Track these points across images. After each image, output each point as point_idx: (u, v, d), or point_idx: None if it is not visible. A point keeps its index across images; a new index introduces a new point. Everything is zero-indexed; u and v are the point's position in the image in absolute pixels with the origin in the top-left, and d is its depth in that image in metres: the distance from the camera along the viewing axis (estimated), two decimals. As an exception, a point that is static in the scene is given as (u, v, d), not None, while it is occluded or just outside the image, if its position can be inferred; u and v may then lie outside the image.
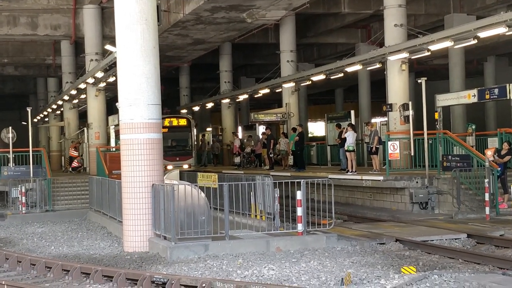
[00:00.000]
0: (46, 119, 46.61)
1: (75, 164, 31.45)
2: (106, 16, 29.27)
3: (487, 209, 16.79)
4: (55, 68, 38.45)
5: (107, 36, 29.00)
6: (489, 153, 18.08)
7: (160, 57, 14.65)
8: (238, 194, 14.72)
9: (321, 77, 27.56)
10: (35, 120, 47.54)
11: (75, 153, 31.79)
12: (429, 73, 35.62)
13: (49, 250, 14.77)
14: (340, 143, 23.96)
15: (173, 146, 31.15)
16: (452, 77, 31.29)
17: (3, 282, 10.53)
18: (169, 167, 27.89)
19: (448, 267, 11.12)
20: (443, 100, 23.14)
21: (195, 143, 33.55)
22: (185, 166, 29.93)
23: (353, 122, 26.14)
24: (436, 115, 22.64)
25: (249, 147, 32.54)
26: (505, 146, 18.76)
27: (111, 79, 25.59)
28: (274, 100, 44.78)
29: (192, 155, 31.34)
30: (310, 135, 49.39)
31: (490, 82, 37.65)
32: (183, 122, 31.97)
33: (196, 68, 41.09)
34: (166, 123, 30.11)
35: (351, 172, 21.97)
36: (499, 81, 33.84)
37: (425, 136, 19.81)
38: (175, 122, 31.64)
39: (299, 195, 13.21)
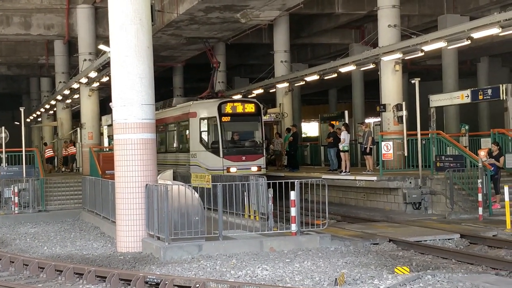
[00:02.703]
0: (39, 119, 46.52)
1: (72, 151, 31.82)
2: (100, 16, 29.22)
3: (480, 210, 16.82)
4: (48, 68, 38.38)
5: (101, 36, 28.94)
6: (482, 153, 18.14)
7: (154, 57, 14.63)
8: (231, 194, 14.69)
9: (315, 77, 27.58)
10: (28, 120, 47.42)
11: (74, 150, 31.90)
12: (422, 73, 35.68)
13: (42, 251, 14.73)
14: (329, 144, 23.93)
15: (237, 141, 23.17)
16: (445, 78, 31.37)
17: (-4, 283, 10.51)
18: (232, 169, 21.90)
19: (442, 267, 11.14)
20: (436, 100, 23.20)
21: (265, 137, 24.58)
22: (254, 169, 22.19)
23: (346, 122, 26.16)
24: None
25: (243, 147, 32.42)
26: (494, 147, 18.80)
27: (105, 79, 25.54)
28: (268, 101, 44.71)
29: (262, 154, 22.96)
30: (303, 135, 49.40)
31: (483, 83, 37.72)
32: (250, 108, 23.12)
33: (189, 68, 41.03)
34: (228, 109, 22.68)
35: (344, 172, 21.99)
36: (492, 82, 33.95)
37: (419, 136, 19.84)
38: (239, 108, 23.00)
39: (293, 195, 13.21)
